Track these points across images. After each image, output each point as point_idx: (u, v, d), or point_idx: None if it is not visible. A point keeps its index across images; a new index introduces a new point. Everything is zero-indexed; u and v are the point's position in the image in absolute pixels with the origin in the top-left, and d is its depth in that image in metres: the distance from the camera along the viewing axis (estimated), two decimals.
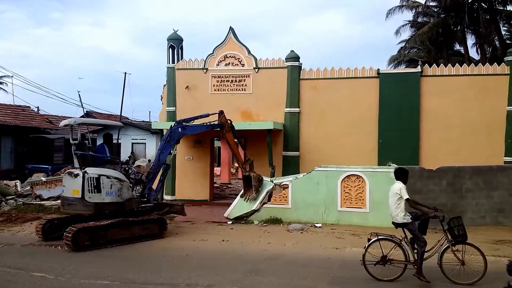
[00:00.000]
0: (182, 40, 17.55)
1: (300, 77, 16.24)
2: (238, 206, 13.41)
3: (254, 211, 13.12)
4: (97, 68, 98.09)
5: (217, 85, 16.81)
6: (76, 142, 10.52)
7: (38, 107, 32.50)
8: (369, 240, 7.48)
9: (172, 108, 17.11)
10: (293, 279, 7.57)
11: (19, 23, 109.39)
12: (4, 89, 35.91)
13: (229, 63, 16.75)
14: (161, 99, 17.90)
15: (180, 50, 17.44)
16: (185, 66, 17.12)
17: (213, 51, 16.86)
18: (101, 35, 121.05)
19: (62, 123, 11.36)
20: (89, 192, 9.89)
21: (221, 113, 12.61)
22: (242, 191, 13.65)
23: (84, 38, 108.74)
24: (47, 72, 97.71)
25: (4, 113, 24.55)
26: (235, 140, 13.15)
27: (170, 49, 17.30)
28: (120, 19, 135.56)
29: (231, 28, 16.83)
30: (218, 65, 16.82)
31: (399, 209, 7.41)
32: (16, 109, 26.87)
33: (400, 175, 7.68)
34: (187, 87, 16.95)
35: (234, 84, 16.71)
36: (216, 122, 12.62)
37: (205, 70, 16.87)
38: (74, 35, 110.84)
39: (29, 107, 29.22)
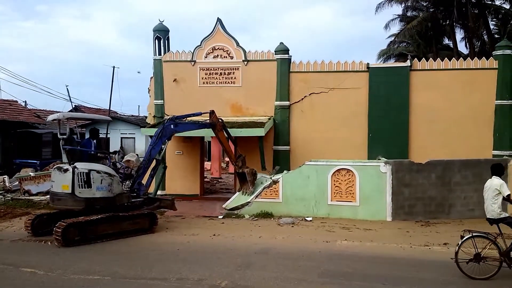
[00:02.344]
0: (168, 31, 17.23)
1: (290, 70, 16.17)
2: (237, 199, 13.58)
3: (248, 202, 13.19)
4: (85, 61, 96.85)
5: (205, 78, 16.64)
6: (64, 136, 10.40)
7: (25, 102, 32.10)
8: (462, 237, 7.19)
9: (160, 101, 16.89)
10: (284, 272, 7.60)
11: (4, 16, 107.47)
12: None
13: (218, 55, 16.56)
14: (149, 92, 17.58)
15: (166, 41, 17.12)
16: (172, 58, 16.86)
17: (200, 43, 16.62)
18: (89, 28, 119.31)
19: (50, 117, 11.17)
20: (79, 187, 9.81)
21: (212, 113, 12.57)
22: (239, 186, 13.84)
23: (71, 31, 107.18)
24: (34, 65, 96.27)
25: None
26: (226, 135, 13.18)
27: (156, 40, 16.98)
28: (107, 12, 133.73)
29: (219, 20, 16.55)
30: (206, 57, 16.62)
31: (496, 205, 7.27)
32: (3, 104, 26.50)
33: (498, 170, 7.54)
34: (175, 80, 16.73)
35: (223, 77, 16.54)
36: (208, 121, 12.60)
37: (193, 63, 16.67)
38: (61, 28, 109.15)
39: (16, 101, 28.84)
